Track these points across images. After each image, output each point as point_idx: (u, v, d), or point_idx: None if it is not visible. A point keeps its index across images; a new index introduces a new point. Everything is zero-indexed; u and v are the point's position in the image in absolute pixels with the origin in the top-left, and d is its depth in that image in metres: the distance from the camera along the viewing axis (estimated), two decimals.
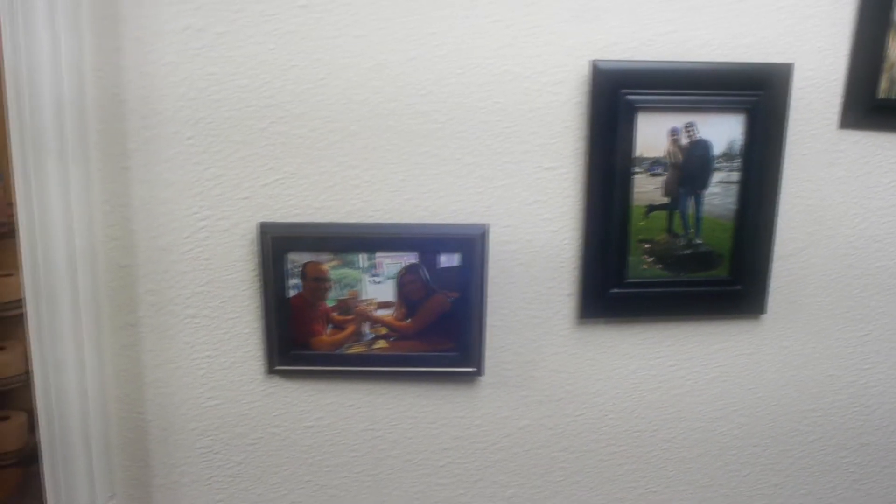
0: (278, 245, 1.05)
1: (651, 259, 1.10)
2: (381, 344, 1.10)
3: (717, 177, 1.08)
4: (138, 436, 1.13)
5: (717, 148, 1.07)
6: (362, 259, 1.06)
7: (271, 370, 1.10)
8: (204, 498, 1.15)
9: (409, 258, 1.07)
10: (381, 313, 1.08)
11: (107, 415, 1.11)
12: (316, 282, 1.07)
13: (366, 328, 1.09)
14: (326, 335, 1.09)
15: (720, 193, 1.08)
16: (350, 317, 1.08)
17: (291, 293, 1.07)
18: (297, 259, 1.06)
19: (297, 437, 1.14)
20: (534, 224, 1.08)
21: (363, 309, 1.08)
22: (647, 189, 1.07)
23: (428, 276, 1.07)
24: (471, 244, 1.06)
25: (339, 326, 1.09)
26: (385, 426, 1.14)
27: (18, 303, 2.92)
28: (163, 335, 1.09)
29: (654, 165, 1.07)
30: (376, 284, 1.07)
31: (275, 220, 1.06)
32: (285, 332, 1.08)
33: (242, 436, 1.13)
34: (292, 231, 1.05)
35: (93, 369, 1.08)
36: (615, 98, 1.04)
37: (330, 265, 1.06)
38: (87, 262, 1.05)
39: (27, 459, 2.97)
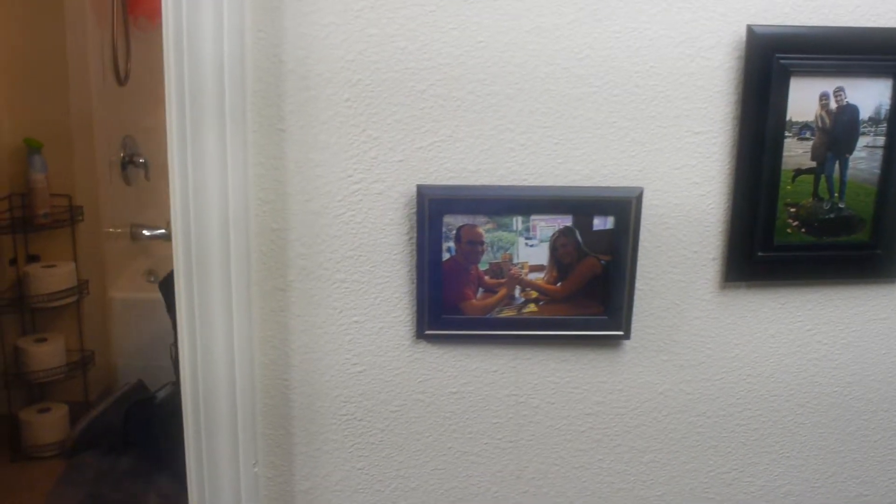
0: (435, 207, 1.05)
1: (796, 223, 1.11)
2: (531, 308, 1.10)
3: (862, 141, 1.09)
4: (282, 402, 1.12)
5: (864, 112, 1.09)
6: (517, 222, 1.06)
7: (420, 335, 1.10)
8: (345, 466, 1.15)
9: (564, 221, 1.07)
10: (533, 277, 1.08)
11: (253, 381, 1.09)
12: (470, 245, 1.07)
13: (517, 292, 1.09)
14: (477, 299, 1.09)
15: (865, 158, 1.10)
16: (502, 280, 1.08)
17: (445, 256, 1.07)
18: (451, 222, 1.06)
19: (440, 403, 1.13)
20: (682, 188, 1.09)
21: (516, 272, 1.08)
22: (795, 153, 1.09)
23: (581, 239, 1.07)
24: (625, 207, 1.07)
25: (490, 290, 1.09)
26: (528, 392, 1.14)
27: (61, 294, 2.89)
28: (311, 300, 1.08)
29: (803, 130, 1.08)
30: (530, 247, 1.07)
31: (429, 183, 1.05)
32: (437, 296, 1.08)
33: (386, 403, 1.13)
34: (449, 193, 1.05)
35: (241, 335, 1.07)
36: (769, 62, 1.05)
37: (485, 228, 1.06)
38: (240, 225, 1.04)
39: (69, 451, 2.93)
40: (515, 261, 1.08)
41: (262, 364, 1.10)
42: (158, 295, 3.24)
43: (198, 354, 1.08)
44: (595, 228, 1.07)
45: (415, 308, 1.09)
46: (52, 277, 2.90)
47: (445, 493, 1.17)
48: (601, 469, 1.18)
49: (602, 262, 1.08)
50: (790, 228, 1.11)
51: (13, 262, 2.94)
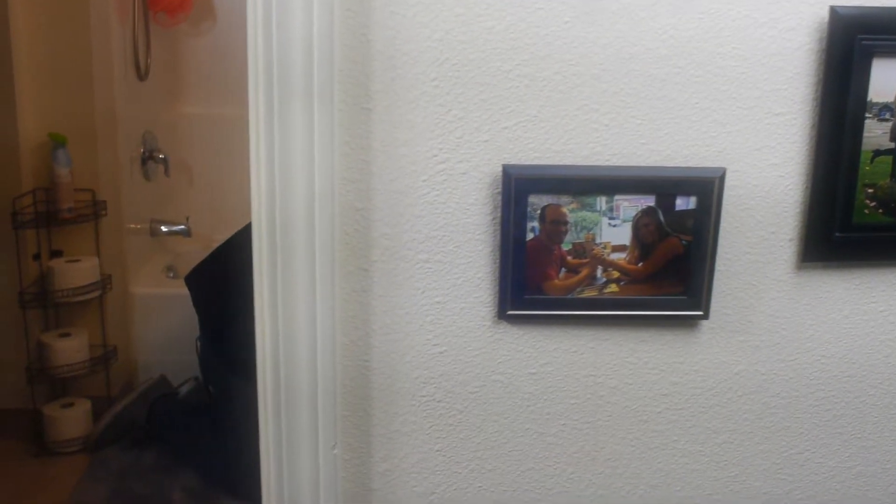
0: (520, 187, 1.05)
1: (873, 204, 1.12)
2: (612, 288, 1.10)
3: None
4: (361, 384, 1.12)
5: None
6: (601, 202, 1.07)
7: (502, 315, 1.10)
8: (423, 447, 1.15)
9: (647, 201, 1.07)
10: (615, 257, 1.09)
11: (334, 362, 1.09)
12: (554, 224, 1.07)
13: (599, 272, 1.09)
14: (559, 279, 1.09)
15: None
16: (585, 260, 1.09)
17: (528, 236, 1.07)
18: (536, 202, 1.06)
19: (519, 384, 1.14)
20: (761, 169, 1.10)
21: (598, 252, 1.09)
22: (874, 134, 1.09)
23: (663, 219, 1.08)
24: (708, 187, 1.07)
25: (572, 270, 1.09)
26: (606, 372, 1.14)
27: (84, 289, 2.88)
28: (393, 280, 1.09)
29: (882, 111, 1.09)
30: (613, 227, 1.08)
31: (513, 163, 1.06)
32: (520, 277, 1.08)
33: (465, 384, 1.13)
34: (534, 173, 1.05)
35: (324, 315, 1.07)
36: (851, 43, 1.06)
37: (569, 208, 1.07)
38: (325, 204, 1.04)
39: (92, 446, 2.92)
40: (598, 241, 1.08)
41: (343, 345, 1.10)
42: (178, 290, 3.23)
43: (279, 335, 1.08)
44: (677, 209, 1.08)
45: (497, 288, 1.09)
46: (76, 272, 2.89)
47: (522, 474, 1.17)
48: (675, 450, 1.18)
49: (683, 242, 1.09)
50: (867, 209, 1.12)
51: (37, 256, 2.93)
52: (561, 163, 1.07)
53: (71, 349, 2.92)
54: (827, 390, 1.19)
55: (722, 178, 1.07)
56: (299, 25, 0.99)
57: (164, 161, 3.37)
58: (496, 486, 1.17)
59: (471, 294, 1.10)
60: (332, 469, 1.13)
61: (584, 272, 1.09)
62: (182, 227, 3.41)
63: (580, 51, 1.04)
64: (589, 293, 1.10)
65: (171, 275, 3.42)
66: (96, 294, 2.94)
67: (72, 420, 2.93)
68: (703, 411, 1.17)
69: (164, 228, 3.42)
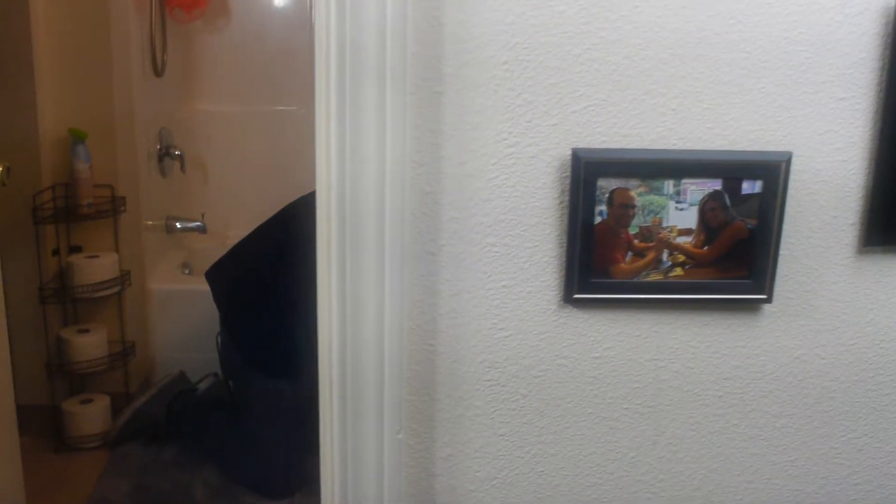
0: (590, 170, 1.06)
1: None
2: (677, 271, 1.11)
3: None
4: (427, 368, 1.12)
5: None
6: (668, 186, 1.07)
7: (568, 299, 1.10)
8: (487, 432, 1.15)
9: (714, 185, 1.08)
10: (681, 240, 1.09)
11: (402, 347, 1.10)
12: (622, 208, 1.08)
13: (664, 255, 1.10)
14: (626, 263, 1.10)
15: None
16: (651, 244, 1.09)
17: (596, 220, 1.07)
18: (605, 185, 1.07)
19: (583, 368, 1.14)
20: (825, 154, 1.10)
21: (665, 236, 1.09)
22: None
23: (729, 203, 1.09)
24: (775, 171, 1.08)
25: (639, 254, 1.10)
26: (669, 356, 1.15)
27: (104, 284, 2.87)
28: (461, 264, 1.09)
29: None
30: (679, 211, 1.08)
31: (581, 147, 1.06)
32: (587, 260, 1.09)
33: (529, 368, 1.13)
34: (604, 156, 1.06)
35: (393, 299, 1.08)
36: None
37: (637, 191, 1.07)
38: (396, 187, 1.04)
39: (112, 442, 2.91)
40: (665, 224, 1.09)
41: (409, 329, 1.10)
42: (194, 287, 3.23)
43: (347, 320, 1.08)
44: (743, 192, 1.09)
45: (563, 272, 1.10)
46: (96, 268, 2.88)
47: (584, 458, 1.18)
48: (735, 434, 1.19)
49: (748, 225, 1.10)
50: None
51: (56, 252, 2.92)
52: (628, 147, 1.07)
53: (90, 345, 2.91)
54: (886, 374, 1.20)
55: (788, 163, 1.08)
56: (373, 8, 1.00)
57: (181, 157, 3.36)
58: (558, 471, 1.18)
59: (537, 278, 1.10)
60: (396, 454, 1.13)
61: (650, 256, 1.10)
62: (198, 223, 3.40)
63: (649, 35, 1.04)
64: (654, 277, 1.11)
65: (187, 271, 3.41)
66: (115, 290, 2.93)
67: (91, 416, 2.92)
68: (763, 395, 1.18)
69: (179, 225, 3.42)
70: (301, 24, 3.59)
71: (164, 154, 3.32)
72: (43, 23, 2.77)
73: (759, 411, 1.18)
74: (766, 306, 1.14)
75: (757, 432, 1.19)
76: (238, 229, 3.54)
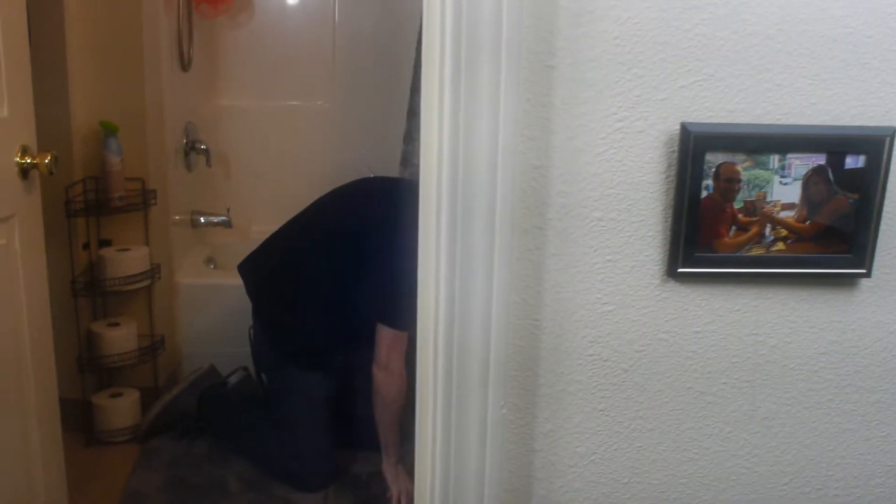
0: (699, 145, 1.06)
1: None
2: (779, 246, 1.12)
3: None
4: (531, 343, 1.13)
5: None
6: (773, 160, 1.08)
7: (671, 273, 1.11)
8: (588, 407, 1.16)
9: (818, 160, 1.09)
10: (784, 215, 1.11)
11: (508, 321, 1.10)
12: (728, 182, 1.09)
13: (767, 230, 1.11)
14: (729, 237, 1.11)
15: None
16: (755, 218, 1.10)
17: (703, 194, 1.08)
18: (712, 160, 1.08)
19: (683, 343, 1.15)
20: None
21: (769, 210, 1.10)
22: None
23: (832, 178, 1.10)
24: (879, 145, 1.09)
25: (742, 228, 1.11)
26: (767, 331, 1.16)
27: (135, 278, 2.86)
28: (567, 238, 1.10)
29: None
30: (784, 186, 1.09)
31: (689, 121, 1.07)
32: (692, 234, 1.10)
33: (631, 342, 1.14)
34: (713, 130, 1.07)
35: (500, 273, 1.08)
36: None
37: (743, 166, 1.08)
38: (507, 161, 1.05)
39: (142, 436, 2.90)
40: (769, 199, 1.10)
41: (514, 303, 1.11)
42: (221, 281, 3.23)
43: (456, 294, 1.09)
44: (846, 167, 1.10)
45: (667, 246, 1.11)
46: (128, 261, 2.87)
47: (681, 434, 1.18)
48: (830, 409, 1.20)
49: (850, 200, 1.11)
50: None
51: (86, 245, 2.91)
52: (733, 121, 1.08)
53: (120, 338, 2.90)
54: None
55: (892, 137, 1.09)
56: None
57: (206, 152, 3.35)
58: (655, 446, 1.18)
59: (641, 252, 1.11)
60: (499, 430, 1.13)
61: (754, 230, 1.11)
62: (223, 218, 3.40)
63: (757, 11, 1.05)
64: (756, 251, 1.12)
65: (212, 266, 3.40)
66: (146, 283, 2.92)
67: (121, 410, 2.91)
68: (858, 371, 1.19)
69: (203, 219, 3.41)
70: (324, 20, 3.60)
71: (190, 148, 3.31)
72: (76, 16, 2.76)
73: (854, 386, 1.19)
74: (864, 281, 1.15)
75: (851, 407, 1.20)
76: (261, 224, 3.54)
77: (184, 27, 3.16)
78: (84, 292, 2.86)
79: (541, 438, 1.16)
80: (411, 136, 3.07)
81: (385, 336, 2.43)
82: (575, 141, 1.06)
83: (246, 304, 2.94)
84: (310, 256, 2.59)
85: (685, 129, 1.06)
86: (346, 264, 2.51)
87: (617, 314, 1.12)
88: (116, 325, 2.94)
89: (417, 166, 3.11)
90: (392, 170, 2.84)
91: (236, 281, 2.99)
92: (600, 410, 1.16)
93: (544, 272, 1.10)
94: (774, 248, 1.11)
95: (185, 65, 3.21)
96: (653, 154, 1.08)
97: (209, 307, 3.17)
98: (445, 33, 1.02)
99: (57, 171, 2.50)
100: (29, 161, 2.05)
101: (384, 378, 2.46)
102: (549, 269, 1.10)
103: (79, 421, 2.91)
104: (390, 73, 3.51)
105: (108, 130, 2.82)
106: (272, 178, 3.65)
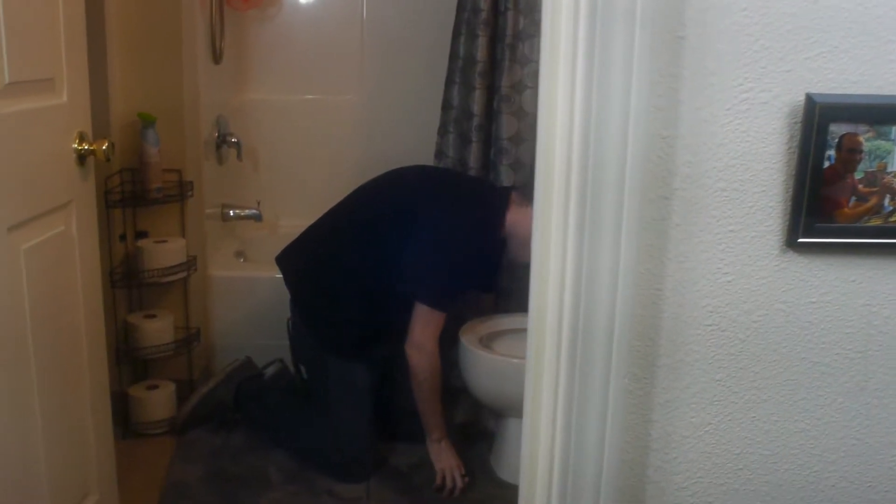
0: (824, 115, 1.08)
1: None
2: None
3: None
4: (652, 313, 1.14)
5: None
6: (895, 131, 1.10)
7: (791, 243, 1.12)
8: (704, 377, 1.17)
9: None
10: None
11: (635, 291, 1.11)
12: (850, 153, 1.10)
13: (886, 200, 1.12)
14: (849, 208, 1.12)
15: None
16: (875, 189, 1.12)
17: (825, 165, 1.10)
18: (835, 130, 1.09)
19: (799, 313, 1.16)
20: None
21: (889, 181, 1.12)
22: None
23: None
24: None
25: (862, 199, 1.12)
26: (881, 301, 1.17)
27: (172, 269, 2.85)
28: (691, 208, 1.11)
29: None
30: None
31: (812, 92, 1.09)
32: (814, 204, 1.11)
33: (749, 313, 1.15)
34: (837, 101, 1.08)
35: (628, 244, 1.09)
36: None
37: (865, 136, 1.10)
38: (639, 130, 1.06)
39: (179, 428, 2.89)
40: (889, 169, 1.11)
41: (638, 273, 1.12)
42: (252, 274, 3.22)
43: (583, 263, 1.10)
44: None
45: (787, 216, 1.12)
46: (165, 252, 2.87)
47: (794, 404, 1.19)
48: None
49: None
50: None
51: (122, 237, 2.90)
52: (856, 92, 1.09)
53: (157, 330, 2.89)
54: None
55: None
56: None
57: (237, 145, 3.35)
58: (768, 417, 1.19)
59: (762, 222, 1.12)
60: (621, 400, 1.14)
61: (873, 201, 1.12)
62: (253, 211, 3.39)
63: None
64: (874, 222, 1.13)
65: (241, 259, 3.40)
66: (183, 275, 2.91)
67: (158, 402, 2.90)
68: None
69: (232, 213, 3.40)
70: (352, 12, 3.60)
71: (222, 142, 3.30)
72: (115, 7, 2.75)
73: None
74: None
75: None
76: (290, 218, 3.54)
77: (216, 20, 3.16)
78: (121, 283, 2.85)
79: (658, 409, 1.17)
80: (446, 128, 3.08)
81: (420, 314, 2.44)
82: (702, 111, 1.08)
83: (277, 297, 2.95)
84: (351, 246, 2.60)
85: (810, 100, 1.07)
86: (388, 252, 2.52)
87: (736, 284, 1.14)
88: (153, 316, 2.93)
89: (452, 158, 3.11)
90: (421, 162, 2.84)
91: (268, 274, 3.00)
92: (717, 381, 1.17)
93: (668, 242, 1.11)
94: (892, 219, 1.13)
95: (216, 57, 3.21)
96: (776, 125, 1.09)
97: (242, 300, 3.16)
98: (580, 4, 1.03)
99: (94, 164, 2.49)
100: (86, 147, 2.05)
101: (417, 356, 2.47)
102: (672, 239, 1.11)
103: (115, 413, 2.89)
104: (419, 66, 3.52)
105: (147, 122, 2.82)
106: (300, 172, 3.65)
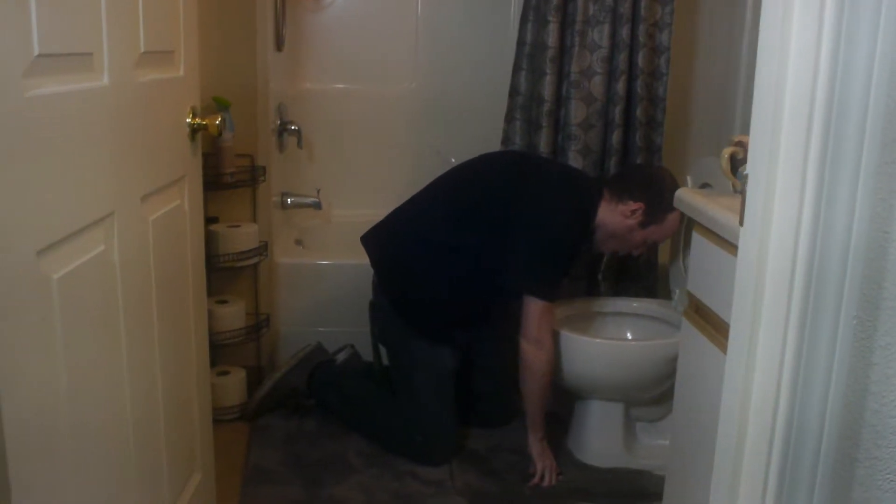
0: None
1: None
2: None
3: None
4: (879, 255, 1.15)
5: None
6: None
7: None
8: None
9: None
10: None
11: (869, 233, 1.13)
12: None
13: None
14: None
15: None
16: None
17: None
18: None
19: None
20: None
21: None
22: None
23: None
24: None
25: None
26: None
27: (246, 254, 2.84)
28: None
29: None
30: None
31: None
32: None
33: None
34: None
35: (865, 185, 1.11)
36: None
37: None
38: (882, 74, 1.08)
39: (251, 414, 2.87)
40: None
41: (871, 216, 1.14)
42: (315, 261, 3.21)
43: (821, 214, 1.11)
44: None
45: None
46: (239, 237, 2.85)
47: None
48: None
49: None
50: None
51: None
52: None
53: (230, 316, 2.87)
54: None
55: None
56: None
57: (298, 133, 3.34)
58: None
59: None
60: (849, 340, 1.16)
61: None
62: (314, 199, 3.38)
63: None
64: None
65: (301, 247, 3.39)
66: (255, 260, 2.90)
67: (230, 388, 2.88)
68: None
69: (290, 200, 3.39)
70: (407, 1, 3.62)
71: (283, 129, 3.30)
72: None
73: None
74: None
75: None
76: (344, 208, 3.54)
77: (280, 5, 3.16)
78: None
79: (879, 351, 1.19)
80: (513, 115, 3.09)
81: (534, 309, 2.44)
82: None
83: (341, 284, 2.95)
84: (443, 228, 2.60)
85: None
86: (481, 237, 2.52)
87: None
88: (225, 302, 2.91)
89: (519, 145, 3.11)
90: (480, 151, 2.82)
91: (330, 261, 3.01)
92: None
93: None
94: None
95: (279, 45, 3.21)
96: None
97: (307, 287, 3.15)
98: None
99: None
100: (198, 122, 2.04)
101: (534, 352, 2.46)
102: None
103: None
104: (475, 54, 3.54)
105: (222, 106, 2.81)
106: (355, 161, 3.65)
